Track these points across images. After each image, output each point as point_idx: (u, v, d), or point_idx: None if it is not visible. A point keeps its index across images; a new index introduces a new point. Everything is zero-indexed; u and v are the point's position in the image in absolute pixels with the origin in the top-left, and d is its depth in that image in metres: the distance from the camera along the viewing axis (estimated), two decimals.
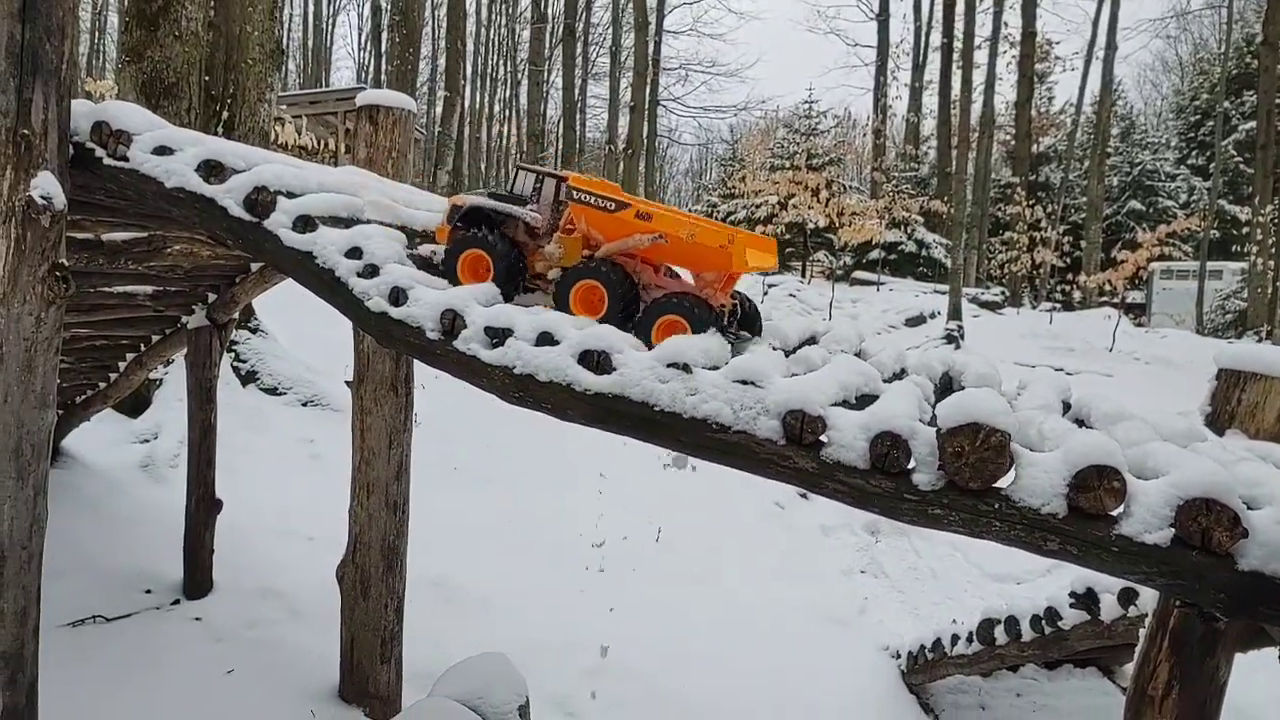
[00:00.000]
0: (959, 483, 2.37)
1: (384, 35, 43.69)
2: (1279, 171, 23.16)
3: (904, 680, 6.88)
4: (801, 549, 9.22)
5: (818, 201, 28.62)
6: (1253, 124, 31.42)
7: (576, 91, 43.46)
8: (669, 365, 2.75)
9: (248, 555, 6.94)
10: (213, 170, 3.41)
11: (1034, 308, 30.48)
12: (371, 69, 50.08)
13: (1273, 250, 23.75)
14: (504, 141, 62.69)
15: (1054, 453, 2.41)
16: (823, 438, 2.57)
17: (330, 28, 62.23)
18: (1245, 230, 29.51)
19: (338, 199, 3.43)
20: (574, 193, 3.37)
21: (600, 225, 3.34)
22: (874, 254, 32.66)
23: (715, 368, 2.83)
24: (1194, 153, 44.50)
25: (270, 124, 9.79)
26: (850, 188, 38.90)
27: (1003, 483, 2.39)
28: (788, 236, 34.03)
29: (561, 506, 8.81)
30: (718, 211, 41.05)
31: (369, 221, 3.51)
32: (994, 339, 22.32)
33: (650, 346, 3.10)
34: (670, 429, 2.69)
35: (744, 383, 2.70)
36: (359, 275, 3.15)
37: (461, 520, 8.11)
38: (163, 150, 3.49)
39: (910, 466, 2.47)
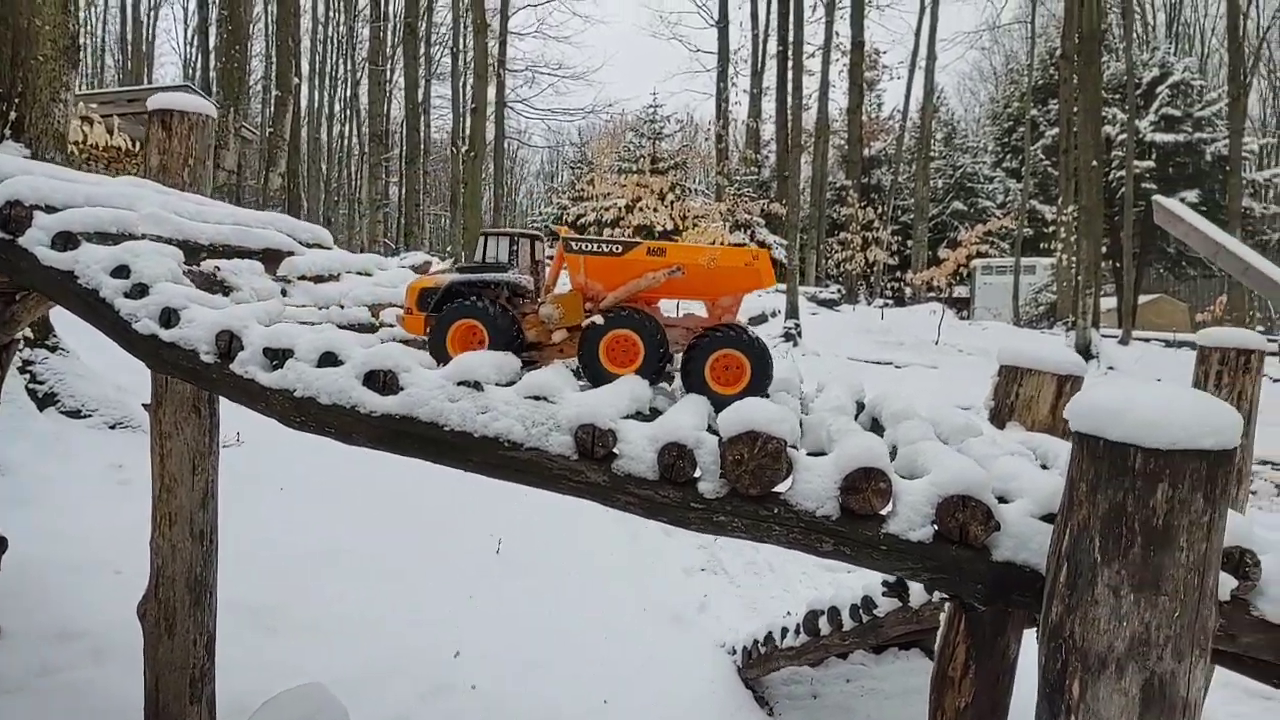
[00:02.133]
0: (740, 489, 2.43)
1: (211, 30, 41.55)
2: (1079, 175, 25.04)
3: (740, 675, 7.03)
4: (644, 550, 9.29)
5: (663, 204, 29.07)
6: (1057, 130, 33.94)
7: (420, 91, 42.57)
8: (459, 383, 2.70)
9: (42, 594, 6.40)
10: None
11: (868, 304, 31.89)
12: (198, 65, 47.57)
13: (1075, 247, 25.65)
14: (345, 142, 60.83)
15: (826, 457, 2.50)
16: (614, 450, 2.58)
17: (153, 20, 58.75)
18: (1052, 229, 31.75)
19: (106, 213, 3.20)
20: (572, 244, 3.17)
21: (605, 273, 3.15)
22: None
23: (508, 384, 2.80)
24: (1008, 156, 47.63)
25: (67, 125, 9.10)
26: (695, 191, 39.71)
27: (782, 487, 2.46)
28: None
29: (396, 522, 8.57)
30: (569, 214, 41.10)
31: (143, 237, 3.29)
32: (830, 335, 23.24)
33: (707, 391, 3.01)
34: (461, 449, 2.64)
35: (536, 398, 2.68)
36: (126, 295, 2.95)
37: (287, 542, 7.76)
38: None
39: (696, 475, 2.51)
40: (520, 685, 6.42)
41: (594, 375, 3.11)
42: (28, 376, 8.71)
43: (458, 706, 6.09)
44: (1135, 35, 41.23)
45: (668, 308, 3.55)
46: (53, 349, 9.08)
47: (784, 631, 6.57)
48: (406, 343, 3.27)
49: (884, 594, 5.61)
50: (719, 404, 2.93)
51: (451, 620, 7.07)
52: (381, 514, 8.64)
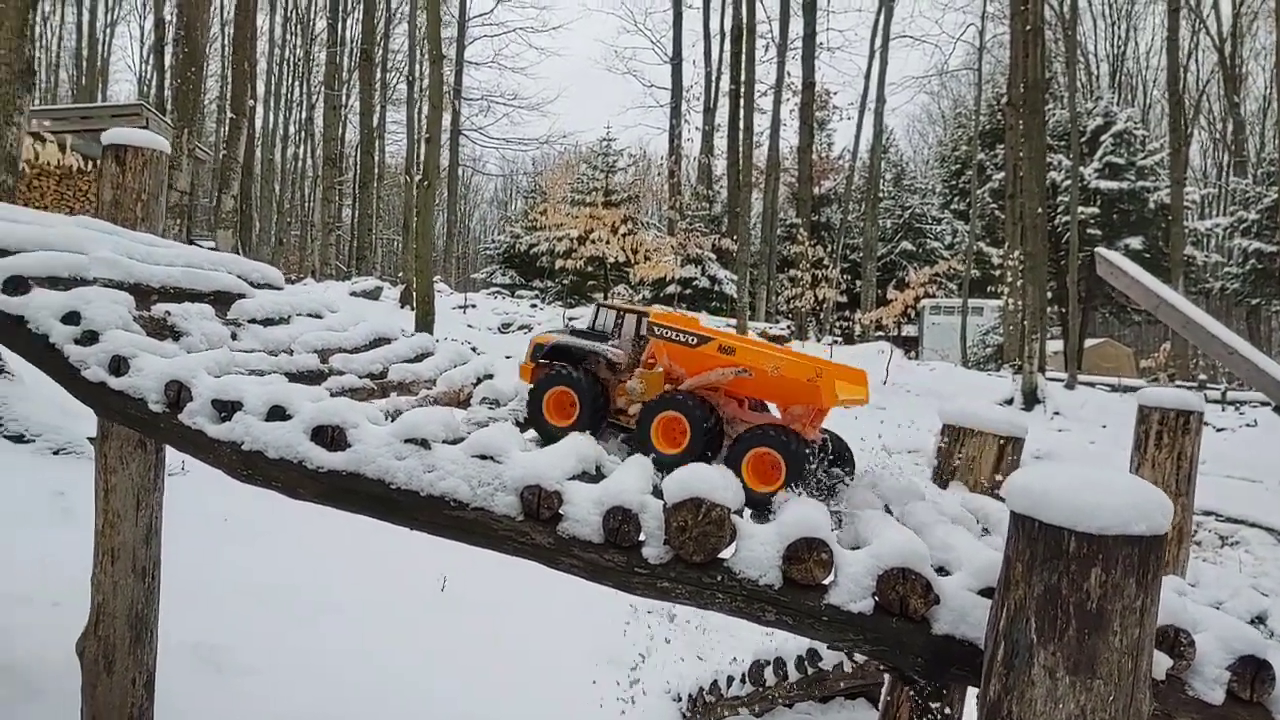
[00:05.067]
0: (684, 556, 2.44)
1: (167, 49, 41.03)
2: (1025, 220, 25.67)
3: None
4: (590, 594, 9.21)
5: (615, 236, 29.20)
6: (1003, 175, 34.81)
7: (375, 117, 42.44)
8: (407, 440, 2.69)
9: None
10: None
11: (818, 341, 32.23)
12: (154, 84, 46.89)
13: (1021, 291, 26.22)
14: (299, 164, 60.30)
15: (769, 525, 2.52)
16: (560, 511, 2.58)
17: (108, 38, 57.94)
18: (999, 272, 32.46)
19: (58, 258, 3.14)
20: (655, 329, 3.35)
21: (682, 360, 3.32)
22: (670, 288, 33.62)
23: (455, 442, 2.79)
24: (956, 198, 48.76)
25: (19, 148, 8.94)
26: (648, 224, 39.98)
27: (725, 554, 2.48)
28: (589, 270, 34.51)
29: (343, 558, 8.43)
30: (521, 242, 41.10)
31: (94, 281, 3.24)
32: None
33: (741, 482, 3.01)
34: (407, 508, 2.63)
35: (483, 457, 2.67)
36: (76, 342, 2.90)
37: (230, 579, 7.59)
38: None
39: (640, 540, 2.52)
40: None
41: (644, 452, 3.26)
42: None
43: None
44: (1079, 84, 42.61)
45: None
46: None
47: (729, 680, 6.57)
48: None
49: (829, 646, 5.63)
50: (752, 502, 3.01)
51: (394, 661, 6.96)
52: (326, 548, 8.50)
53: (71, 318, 2.99)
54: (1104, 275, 7.15)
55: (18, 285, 3.03)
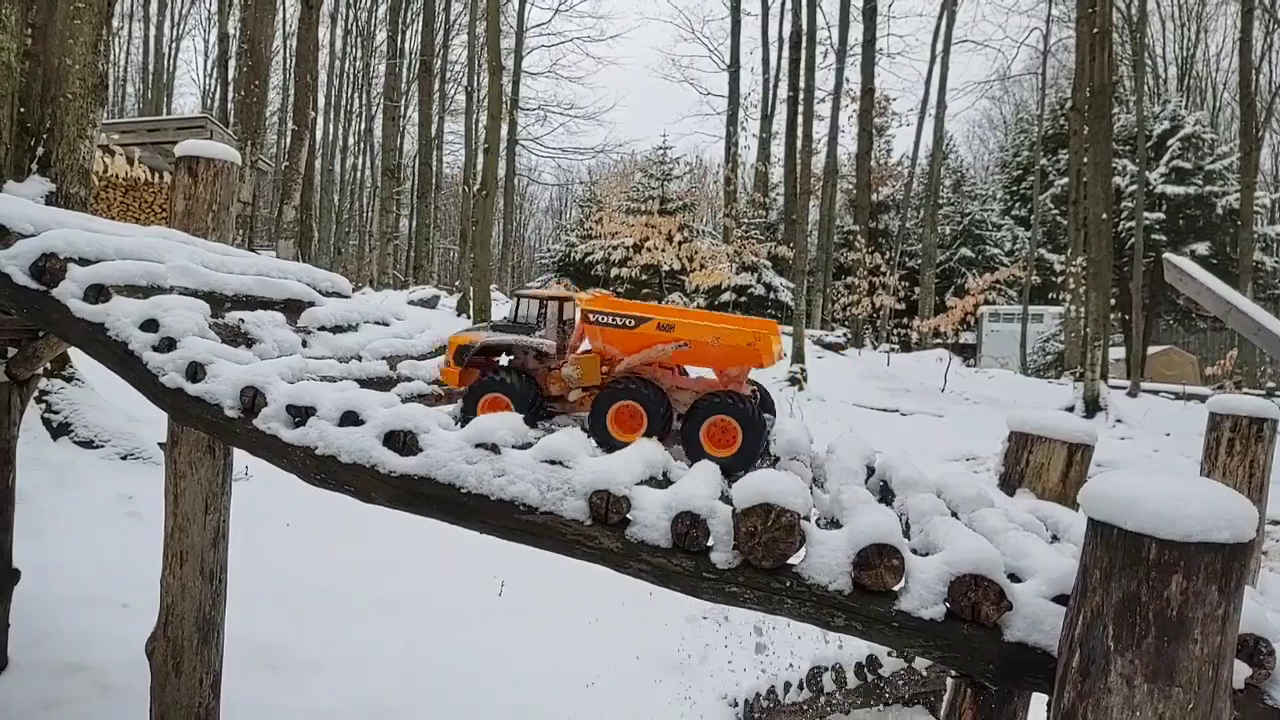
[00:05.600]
0: (753, 561, 2.45)
1: (231, 62, 42.17)
2: (1088, 225, 25.15)
3: None
4: (645, 596, 9.23)
5: (671, 245, 29.25)
6: (1066, 180, 34.16)
7: (433, 128, 43.08)
8: (477, 445, 2.74)
9: (50, 626, 6.42)
10: None
11: (875, 349, 31.93)
12: (218, 97, 48.19)
13: (1083, 298, 25.68)
14: (358, 174, 61.46)
15: (840, 531, 2.51)
16: (628, 516, 2.60)
17: (174, 53, 59.74)
18: (1061, 278, 31.82)
19: (136, 266, 3.26)
20: (590, 315, 3.41)
21: (620, 342, 3.38)
22: (725, 296, 33.57)
23: (524, 446, 2.83)
24: (1017, 204, 47.90)
25: (91, 161, 9.24)
26: (703, 232, 39.98)
27: (795, 559, 2.48)
28: (644, 278, 34.60)
29: (401, 562, 8.56)
30: (576, 251, 41.37)
31: (171, 289, 3.35)
32: (836, 380, 23.22)
33: (701, 452, 3.17)
34: (477, 511, 2.67)
35: (552, 463, 2.71)
36: (154, 349, 3.00)
37: (293, 579, 7.77)
38: None
39: (709, 545, 2.53)
40: None
41: (601, 440, 3.29)
42: (43, 406, 8.79)
43: None
44: (1146, 88, 41.65)
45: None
46: (69, 379, 9.17)
47: (787, 686, 6.53)
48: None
49: (889, 653, 5.59)
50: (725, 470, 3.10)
51: (450, 661, 7.05)
52: (385, 554, 8.64)
53: (150, 325, 3.09)
54: (1172, 281, 6.99)
55: (99, 293, 3.14)
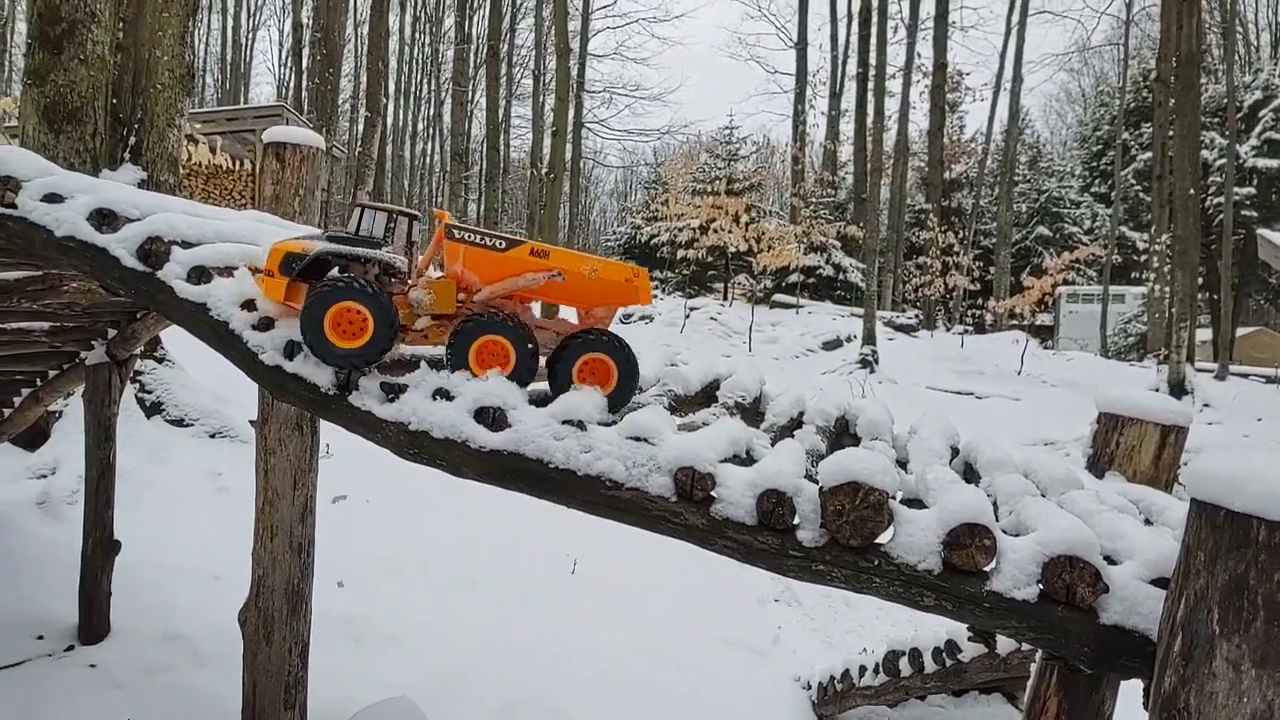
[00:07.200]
0: (840, 539, 2.44)
1: (305, 51, 43.06)
2: (1174, 201, 24.28)
3: (815, 711, 6.97)
4: (717, 578, 9.27)
5: (738, 226, 29.04)
6: (1150, 155, 32.99)
7: (500, 112, 43.36)
8: (564, 422, 2.78)
9: (148, 596, 6.72)
10: (105, 219, 3.32)
11: (947, 330, 31.34)
12: (292, 85, 49.32)
13: (1168, 277, 24.83)
14: (427, 159, 62.35)
15: (929, 510, 2.49)
16: (713, 493, 2.62)
17: (250, 43, 61.21)
18: (1144, 257, 30.80)
19: (235, 249, 3.37)
20: (454, 231, 3.05)
21: (482, 266, 3.04)
22: (793, 277, 33.26)
23: (610, 424, 2.86)
24: (1096, 181, 46.40)
25: (180, 149, 9.56)
26: (770, 212, 39.61)
27: (883, 538, 2.47)
28: (709, 259, 34.46)
29: (477, 539, 8.74)
30: (642, 233, 41.36)
31: None
32: (907, 363, 22.87)
33: (568, 388, 3.04)
34: (564, 486, 2.71)
35: (637, 439, 2.73)
36: (254, 328, 3.10)
37: (373, 554, 7.99)
38: (53, 198, 3.38)
39: (795, 523, 2.53)
40: (593, 710, 6.47)
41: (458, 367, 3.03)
42: (137, 386, 9.15)
43: None
44: (1237, 56, 39.92)
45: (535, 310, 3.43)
46: (160, 360, 9.53)
47: (862, 670, 6.50)
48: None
49: (969, 638, 5.52)
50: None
51: (525, 635, 7.19)
52: (458, 529, 8.83)
53: (249, 305, 3.20)
54: (1266, 258, 6.74)
55: (201, 274, 3.25)
